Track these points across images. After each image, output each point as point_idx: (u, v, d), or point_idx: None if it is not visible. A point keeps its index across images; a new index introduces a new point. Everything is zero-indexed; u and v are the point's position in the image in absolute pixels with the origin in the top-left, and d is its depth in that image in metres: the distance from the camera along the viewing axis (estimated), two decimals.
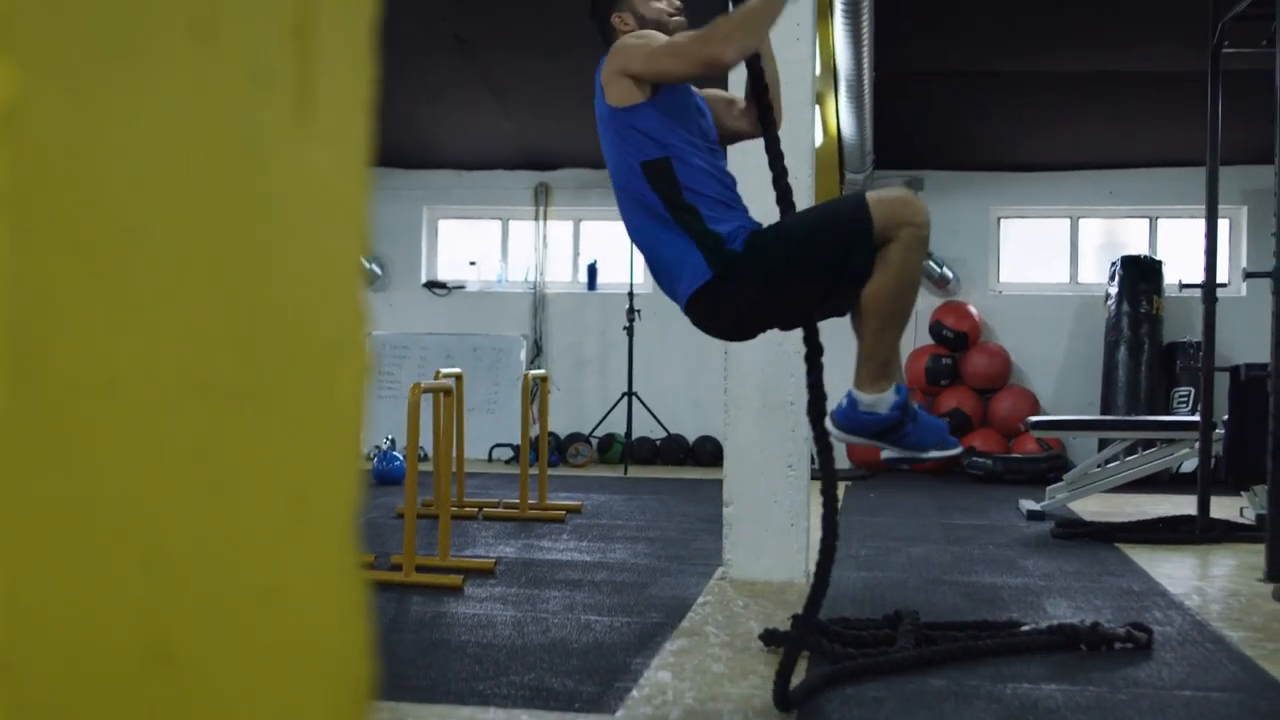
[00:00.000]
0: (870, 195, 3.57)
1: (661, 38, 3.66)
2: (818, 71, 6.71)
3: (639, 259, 12.45)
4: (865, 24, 7.93)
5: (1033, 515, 8.27)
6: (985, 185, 12.24)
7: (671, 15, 3.88)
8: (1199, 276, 8.18)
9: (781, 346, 5.82)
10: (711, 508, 7.53)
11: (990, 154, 11.92)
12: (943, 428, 3.76)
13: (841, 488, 10.40)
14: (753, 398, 5.91)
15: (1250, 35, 7.48)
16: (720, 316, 3.64)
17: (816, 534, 6.58)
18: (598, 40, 3.97)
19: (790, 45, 5.77)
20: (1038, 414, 11.79)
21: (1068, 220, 12.45)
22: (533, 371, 8.39)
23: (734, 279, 3.54)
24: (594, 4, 3.94)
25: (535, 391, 8.43)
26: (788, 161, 4.71)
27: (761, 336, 4.64)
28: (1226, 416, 7.76)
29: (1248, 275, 6.60)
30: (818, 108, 7.74)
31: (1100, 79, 10.08)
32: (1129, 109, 10.74)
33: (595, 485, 10.17)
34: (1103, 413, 11.39)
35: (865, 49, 8.33)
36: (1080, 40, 9.39)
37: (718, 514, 6.33)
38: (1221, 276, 8.63)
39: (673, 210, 3.58)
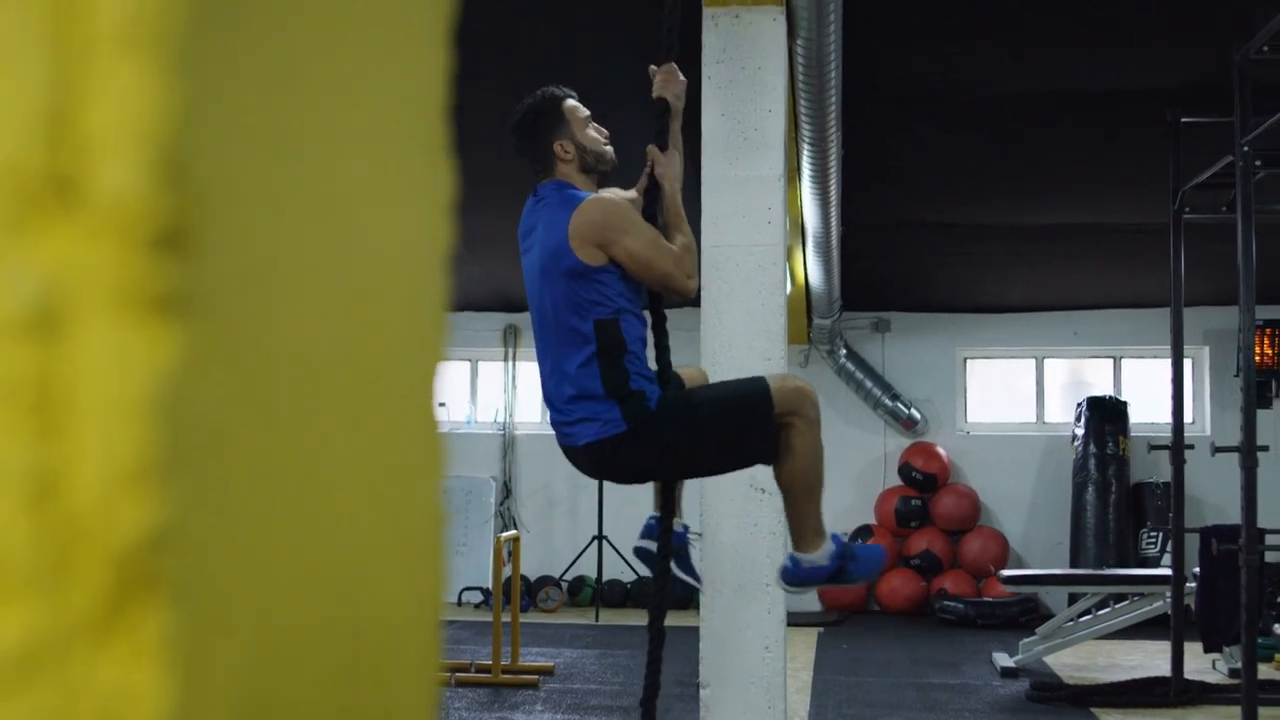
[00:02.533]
0: (772, 382, 3.83)
1: (633, 220, 3.75)
2: (786, 228, 6.80)
3: None
4: (832, 186, 8.05)
5: (1007, 672, 8.25)
6: (951, 326, 12.37)
7: (605, 145, 3.94)
8: (1163, 416, 8.29)
9: (757, 527, 5.84)
10: (685, 665, 7.47)
11: (955, 296, 12.05)
12: (880, 554, 4.14)
13: (814, 634, 10.36)
14: (728, 579, 5.90)
15: (1210, 201, 7.64)
16: (613, 465, 3.83)
17: (795, 713, 6.56)
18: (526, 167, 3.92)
19: (762, 229, 5.85)
20: (1007, 555, 11.82)
21: (1033, 361, 12.57)
22: (505, 534, 8.36)
23: (643, 437, 3.72)
24: (531, 128, 3.84)
25: (509, 550, 8.41)
26: (762, 321, 5.11)
27: (738, 519, 4.82)
28: (1197, 569, 7.80)
29: (1216, 449, 6.67)
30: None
31: (1061, 229, 10.25)
32: (1090, 255, 10.91)
33: (567, 636, 10.08)
34: (1072, 555, 11.42)
35: (833, 207, 8.45)
36: (1041, 195, 9.56)
37: (693, 673, 6.30)
38: (1186, 415, 8.72)
39: (607, 370, 3.68)
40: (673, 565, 4.45)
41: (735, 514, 5.89)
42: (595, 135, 3.91)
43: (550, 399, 3.80)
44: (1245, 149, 6.31)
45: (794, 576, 3.98)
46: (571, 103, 3.91)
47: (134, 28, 0.39)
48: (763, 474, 6.42)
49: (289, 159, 0.48)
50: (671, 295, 3.81)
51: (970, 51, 7.28)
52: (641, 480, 4.13)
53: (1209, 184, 7.38)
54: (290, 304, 0.48)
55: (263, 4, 0.46)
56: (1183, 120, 7.45)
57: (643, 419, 3.69)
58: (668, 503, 4.21)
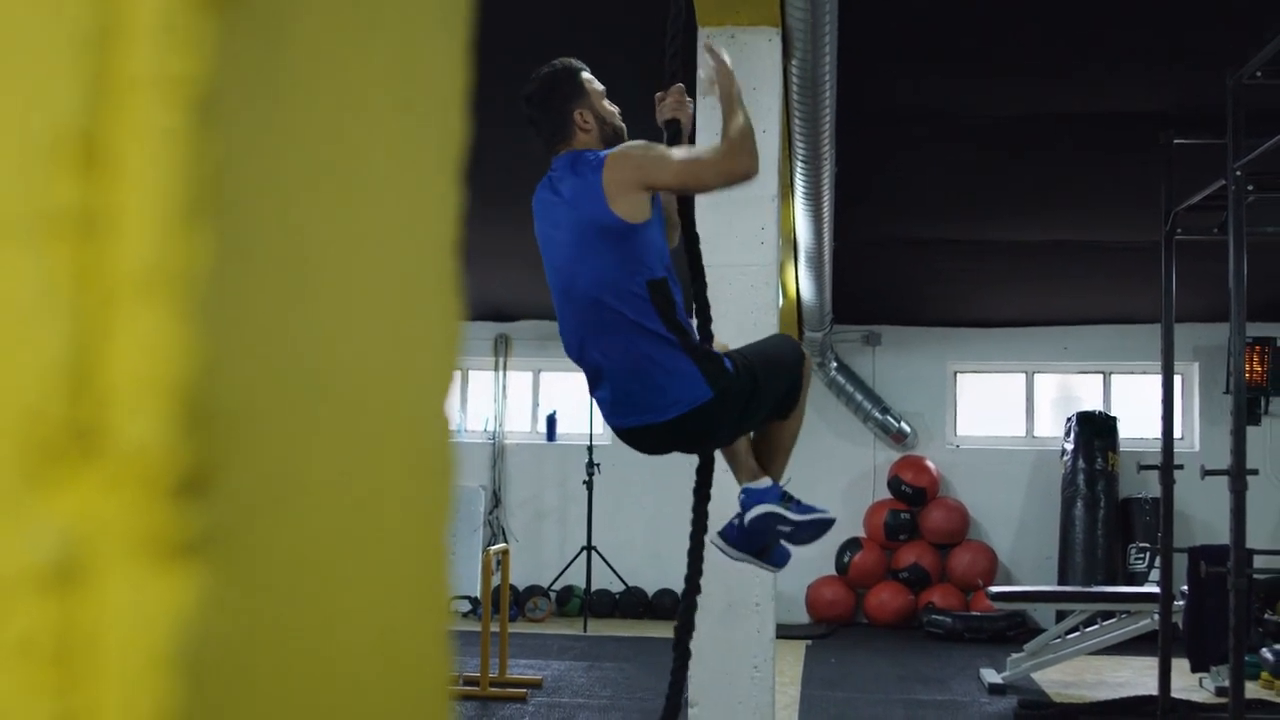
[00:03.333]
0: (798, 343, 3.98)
1: (663, 148, 3.64)
2: (779, 248, 6.80)
3: (598, 410, 12.50)
4: (825, 203, 8.05)
5: (994, 689, 8.25)
6: (942, 340, 12.38)
7: (619, 120, 3.82)
8: (1152, 431, 8.32)
9: None
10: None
11: (946, 310, 12.07)
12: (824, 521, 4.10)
13: (802, 647, 10.37)
14: (718, 596, 5.90)
15: (1202, 222, 7.66)
16: (692, 436, 3.67)
17: None
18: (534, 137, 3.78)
19: (755, 249, 5.86)
20: (996, 570, 11.83)
21: (1023, 375, 12.59)
22: (494, 548, 8.36)
23: (724, 401, 3.58)
24: (550, 97, 3.68)
25: (498, 561, 8.42)
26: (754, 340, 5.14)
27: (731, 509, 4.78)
28: (1185, 588, 7.81)
29: (1205, 473, 6.68)
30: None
31: (1053, 246, 10.27)
32: (1081, 271, 10.93)
33: (555, 647, 10.08)
34: (1060, 570, 11.43)
35: (825, 224, 8.46)
36: (1034, 213, 9.57)
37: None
38: (1175, 431, 8.73)
39: (673, 329, 3.53)
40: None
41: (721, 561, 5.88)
42: (611, 108, 3.77)
43: (620, 389, 3.55)
44: (1238, 174, 6.32)
45: (748, 502, 3.98)
46: (588, 74, 3.78)
47: (155, 276, 0.39)
48: None
49: (312, 388, 0.48)
50: (737, 184, 3.66)
51: (964, 74, 7.29)
52: (705, 449, 3.89)
53: (1201, 205, 7.40)
54: (311, 525, 0.48)
55: (278, 241, 0.46)
56: (1175, 142, 7.46)
57: (725, 382, 3.56)
58: (709, 471, 4.04)
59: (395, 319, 0.56)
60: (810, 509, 4.04)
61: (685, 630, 4.08)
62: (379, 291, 0.56)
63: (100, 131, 0.39)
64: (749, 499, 4.00)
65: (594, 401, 3.75)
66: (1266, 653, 8.09)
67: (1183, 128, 7.53)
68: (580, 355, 3.63)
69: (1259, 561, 8.35)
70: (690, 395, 3.52)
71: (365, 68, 0.53)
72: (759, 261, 5.86)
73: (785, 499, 4.01)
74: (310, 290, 0.48)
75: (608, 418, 3.67)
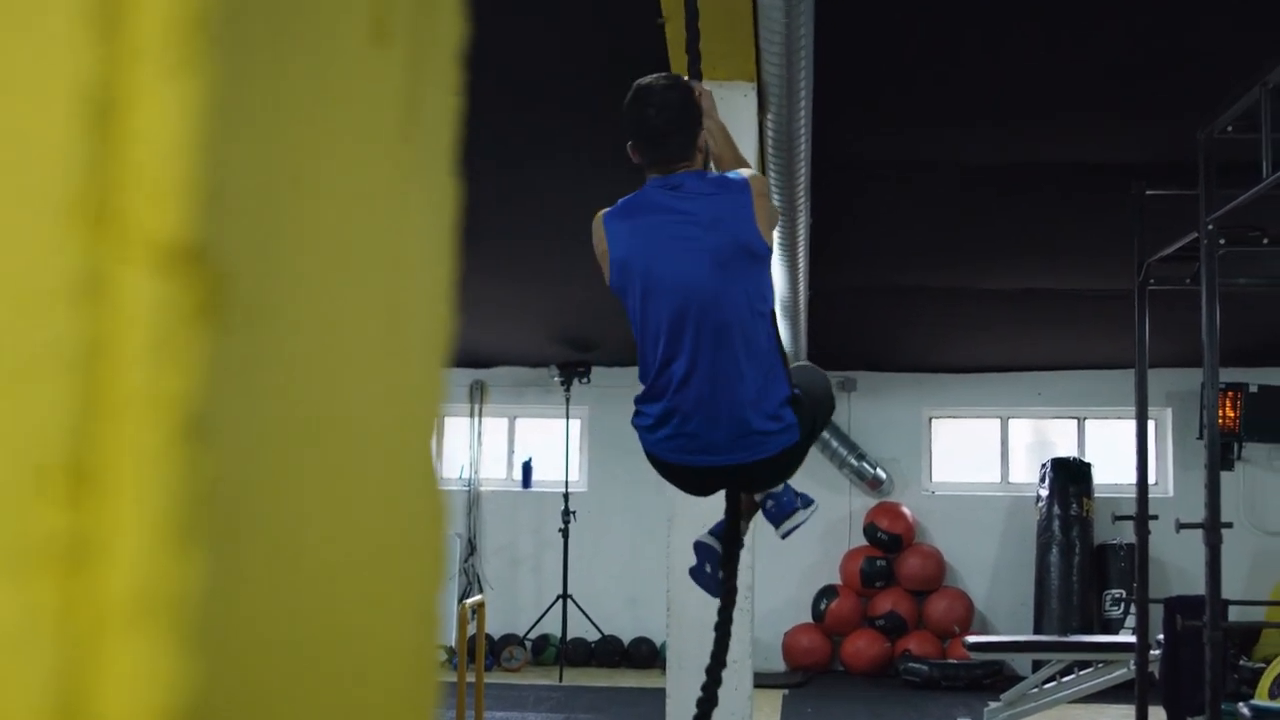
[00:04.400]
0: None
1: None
2: None
3: (574, 457, 12.48)
4: (800, 255, 8.08)
5: None
6: (916, 386, 12.41)
7: None
8: (1127, 476, 8.39)
9: None
10: None
11: (921, 356, 12.11)
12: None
13: (779, 696, 10.33)
14: (696, 655, 5.87)
15: (1174, 272, 7.71)
16: (759, 478, 3.64)
17: None
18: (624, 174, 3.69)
19: None
20: (972, 616, 11.83)
21: (998, 421, 12.62)
22: (470, 600, 8.31)
23: (805, 442, 3.58)
24: (686, 110, 3.50)
25: (473, 613, 8.35)
26: None
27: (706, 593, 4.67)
28: (1161, 637, 7.81)
29: (1181, 526, 6.70)
30: None
31: (1027, 294, 10.32)
32: (1055, 318, 10.98)
33: (531, 699, 10.02)
34: (1036, 616, 11.43)
35: (800, 274, 8.48)
36: (1007, 262, 9.62)
37: None
38: (1149, 476, 8.75)
39: (784, 363, 3.50)
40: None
41: (703, 595, 5.84)
42: None
43: (709, 416, 3.40)
44: (1210, 227, 6.37)
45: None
46: None
47: (146, 603, 0.38)
48: None
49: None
50: None
51: (936, 125, 7.34)
52: (756, 489, 3.84)
53: (1173, 256, 7.45)
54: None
55: (275, 561, 0.45)
56: (1147, 193, 7.52)
57: (806, 425, 3.53)
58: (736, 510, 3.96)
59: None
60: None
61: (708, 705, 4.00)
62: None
63: (90, 455, 0.38)
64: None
65: (663, 439, 3.49)
66: (1244, 708, 8.09)
67: (1154, 179, 7.59)
68: (682, 383, 3.40)
69: (1234, 612, 8.36)
70: (787, 437, 3.49)
71: (355, 356, 0.53)
72: None
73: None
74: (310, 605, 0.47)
75: (687, 456, 3.48)
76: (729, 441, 3.43)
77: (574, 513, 11.67)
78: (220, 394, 0.39)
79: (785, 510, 3.93)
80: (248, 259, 0.41)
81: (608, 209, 3.55)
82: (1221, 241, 6.47)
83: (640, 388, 3.56)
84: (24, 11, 0.38)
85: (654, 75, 3.63)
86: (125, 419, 0.38)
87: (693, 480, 3.67)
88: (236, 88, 0.41)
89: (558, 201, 8.75)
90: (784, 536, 4.06)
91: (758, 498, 3.95)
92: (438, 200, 0.62)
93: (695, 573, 4.12)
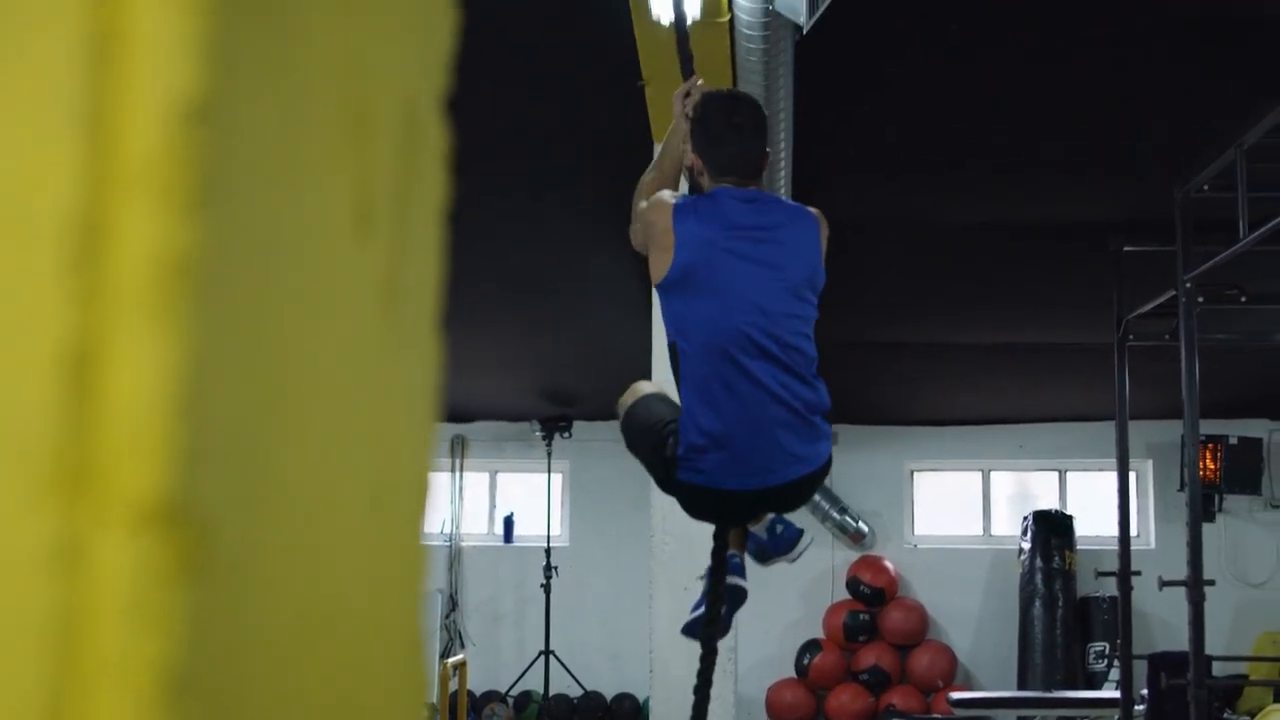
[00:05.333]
0: None
1: None
2: None
3: (556, 512, 12.43)
4: None
5: None
6: (898, 439, 12.42)
7: None
8: (1109, 529, 8.41)
9: None
10: None
11: (902, 409, 12.12)
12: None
13: None
14: (676, 659, 5.85)
15: (1154, 328, 7.74)
16: (784, 500, 3.62)
17: None
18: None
19: None
20: (955, 670, 11.79)
21: (979, 473, 12.63)
22: (452, 659, 8.26)
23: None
24: (764, 127, 3.65)
25: (455, 671, 8.31)
26: None
27: (689, 656, 4.57)
28: (1145, 692, 7.79)
29: (1164, 584, 6.70)
30: None
31: (1006, 348, 10.36)
32: (1035, 371, 11.01)
33: None
34: (1020, 670, 11.40)
35: None
36: (986, 317, 9.66)
37: None
38: (1131, 528, 8.75)
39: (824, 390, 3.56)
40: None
41: (686, 651, 5.82)
42: None
43: (763, 436, 3.37)
44: (1188, 285, 6.41)
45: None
46: None
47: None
48: None
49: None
50: None
51: (916, 183, 7.38)
52: (772, 512, 3.83)
53: (1152, 313, 7.48)
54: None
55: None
56: (1125, 250, 7.56)
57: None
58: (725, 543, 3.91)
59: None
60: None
61: None
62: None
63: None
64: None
65: (714, 464, 3.41)
66: None
67: (1132, 235, 7.64)
68: (742, 405, 3.38)
69: (1218, 667, 8.35)
70: (824, 449, 3.53)
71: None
72: None
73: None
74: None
75: (759, 478, 3.42)
76: (778, 464, 3.40)
77: (556, 568, 11.63)
78: (201, 650, 0.39)
79: (794, 533, 3.90)
80: (229, 509, 0.41)
81: (677, 199, 3.49)
82: (1200, 300, 6.51)
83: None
84: (2, 264, 0.38)
85: (730, 89, 3.69)
86: (102, 687, 0.37)
87: (750, 509, 3.64)
88: (217, 328, 0.40)
89: (539, 256, 8.76)
90: (796, 559, 4.03)
91: (760, 529, 3.91)
92: (421, 368, 0.62)
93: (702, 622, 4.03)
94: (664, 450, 3.50)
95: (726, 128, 3.48)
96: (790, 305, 3.40)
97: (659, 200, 3.49)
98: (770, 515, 3.83)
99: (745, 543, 3.92)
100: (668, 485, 3.58)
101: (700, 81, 3.70)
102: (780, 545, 3.92)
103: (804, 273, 3.44)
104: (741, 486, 3.43)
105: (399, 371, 0.59)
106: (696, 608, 3.97)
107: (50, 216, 0.38)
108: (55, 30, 0.38)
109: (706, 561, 6.01)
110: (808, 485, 3.55)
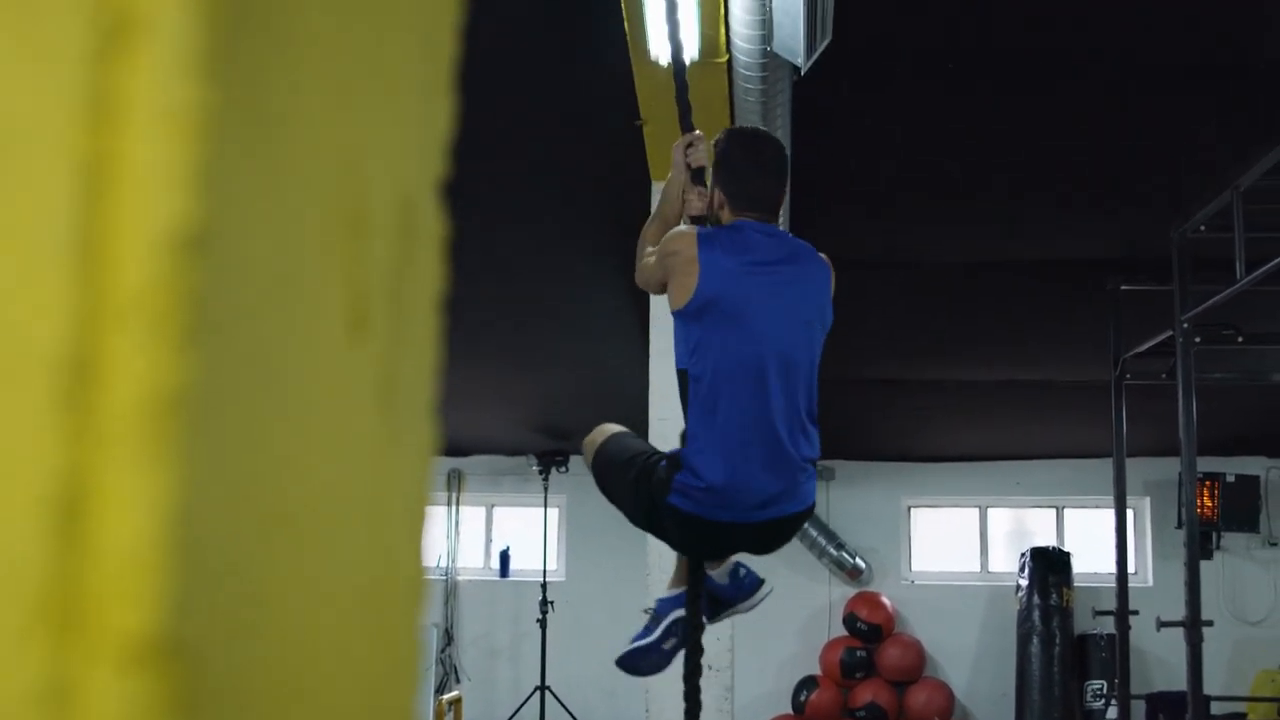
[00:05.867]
0: None
1: None
2: None
3: (553, 546, 12.41)
4: None
5: None
6: (895, 475, 12.40)
7: None
8: (1106, 565, 8.39)
9: (704, 708, 5.75)
10: None
11: (899, 445, 12.11)
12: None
13: None
14: (672, 694, 5.82)
15: (1150, 366, 7.75)
16: (781, 533, 3.61)
17: None
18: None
19: None
20: (953, 708, 11.74)
21: (976, 510, 12.61)
22: (447, 696, 8.23)
23: None
24: (786, 176, 3.73)
25: (450, 707, 8.27)
26: None
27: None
28: None
29: (1161, 625, 6.68)
30: None
31: (1003, 385, 10.36)
32: (1032, 407, 11.01)
33: None
34: (1018, 707, 11.35)
35: None
36: (983, 355, 9.67)
37: None
38: (1129, 565, 8.74)
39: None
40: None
41: (682, 687, 5.80)
42: None
43: (782, 465, 3.43)
44: (1185, 325, 6.42)
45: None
46: None
47: None
48: (712, 649, 6.38)
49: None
50: None
51: (915, 220, 7.40)
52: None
53: (1150, 351, 7.49)
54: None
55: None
56: (1123, 288, 7.58)
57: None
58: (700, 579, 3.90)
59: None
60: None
61: None
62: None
63: None
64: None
65: (715, 494, 3.44)
66: None
67: (1129, 273, 7.65)
68: (751, 436, 3.41)
69: (1216, 707, 8.31)
70: (814, 489, 3.57)
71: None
72: None
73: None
74: None
75: (759, 512, 3.45)
76: (780, 496, 3.44)
77: (552, 602, 11.59)
78: None
79: (755, 581, 3.94)
80: (221, 642, 0.41)
81: (700, 229, 3.53)
82: (1197, 339, 6.52)
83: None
84: None
85: (754, 128, 3.72)
86: None
87: (740, 543, 3.63)
88: (210, 461, 0.40)
89: (536, 291, 8.77)
90: (752, 609, 4.03)
91: (721, 574, 3.91)
92: (417, 461, 0.62)
93: (643, 653, 4.01)
94: (652, 476, 3.52)
95: (751, 164, 3.55)
96: (803, 342, 3.48)
97: (681, 231, 3.54)
98: (734, 560, 3.85)
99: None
100: (652, 514, 3.57)
101: (700, 134, 3.72)
102: (741, 592, 3.92)
103: (817, 311, 3.52)
104: (735, 519, 3.44)
105: (395, 468, 0.59)
106: (637, 639, 3.97)
107: (40, 353, 0.37)
108: (48, 160, 0.38)
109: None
110: (795, 524, 3.57)
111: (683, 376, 3.48)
